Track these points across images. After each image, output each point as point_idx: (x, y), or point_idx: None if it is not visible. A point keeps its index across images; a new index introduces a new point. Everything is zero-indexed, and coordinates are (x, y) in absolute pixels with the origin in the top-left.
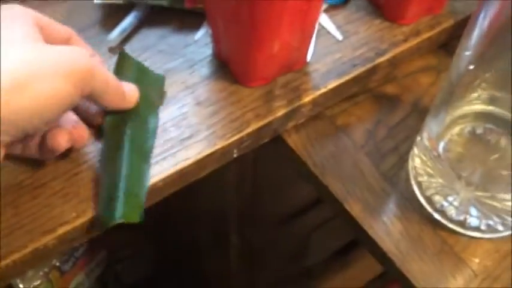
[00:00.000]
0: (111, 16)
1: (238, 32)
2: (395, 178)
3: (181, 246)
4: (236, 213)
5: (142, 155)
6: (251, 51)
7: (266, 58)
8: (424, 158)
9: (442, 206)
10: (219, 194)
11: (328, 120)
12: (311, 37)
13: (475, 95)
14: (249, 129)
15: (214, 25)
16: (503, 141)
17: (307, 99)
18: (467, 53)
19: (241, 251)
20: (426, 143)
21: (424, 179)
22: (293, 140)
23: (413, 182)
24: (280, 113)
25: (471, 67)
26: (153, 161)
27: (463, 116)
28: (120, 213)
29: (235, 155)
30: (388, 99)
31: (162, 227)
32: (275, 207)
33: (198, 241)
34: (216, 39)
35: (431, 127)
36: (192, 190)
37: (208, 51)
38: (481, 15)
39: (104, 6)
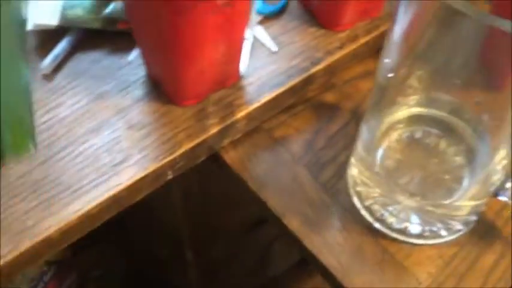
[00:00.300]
0: (45, 42)
1: (164, 51)
2: (334, 189)
3: (147, 261)
4: (187, 229)
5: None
6: (178, 70)
7: (195, 76)
8: (361, 167)
9: (382, 215)
10: (168, 211)
11: (266, 134)
12: (240, 52)
13: (409, 98)
14: (181, 150)
15: (142, 45)
16: (443, 144)
17: (241, 114)
18: (387, 60)
19: (198, 266)
20: (362, 151)
21: (362, 188)
22: (230, 157)
23: (352, 192)
24: (213, 131)
25: (391, 75)
26: (86, 187)
27: (400, 121)
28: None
29: (169, 177)
30: (327, 108)
31: (128, 244)
32: (231, 220)
33: (160, 256)
34: (146, 60)
35: (365, 135)
36: (148, 207)
37: (141, 72)
38: (398, 21)
39: (39, 33)
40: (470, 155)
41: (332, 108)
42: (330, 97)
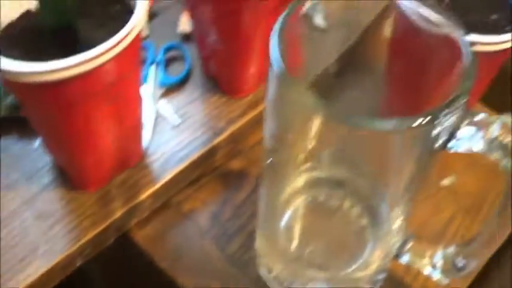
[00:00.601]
0: None
1: (59, 143)
2: (243, 260)
3: None
4: None
5: None
6: (76, 160)
7: (93, 164)
8: (265, 238)
9: (290, 283)
10: (91, 283)
11: (174, 209)
12: (138, 133)
13: (304, 165)
14: (87, 237)
15: (40, 135)
16: (346, 205)
17: (146, 194)
18: (267, 144)
19: None
20: (264, 222)
21: (269, 259)
22: (139, 236)
23: (259, 263)
24: (118, 214)
25: (274, 153)
26: None
27: (302, 186)
28: None
29: (78, 264)
30: (234, 176)
31: None
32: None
33: None
34: (47, 148)
35: (265, 205)
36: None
37: (47, 158)
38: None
39: None
40: (373, 215)
41: (239, 175)
42: (236, 164)
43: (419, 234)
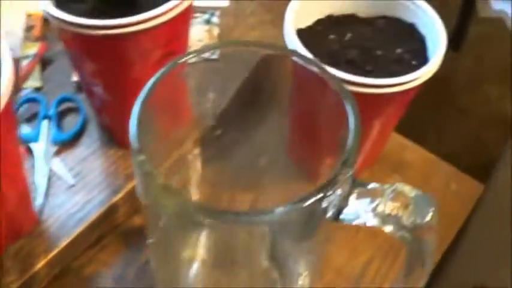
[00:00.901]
0: None
1: None
2: None
3: None
4: None
5: None
6: None
7: None
8: None
9: None
10: None
11: (75, 274)
12: (27, 201)
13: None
14: None
15: None
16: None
17: (42, 263)
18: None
19: None
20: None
21: None
22: None
23: None
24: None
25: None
26: None
27: (204, 243)
28: None
29: None
30: (137, 234)
31: None
32: None
33: None
34: None
35: (161, 275)
36: None
37: None
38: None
39: None
40: (281, 268)
41: (142, 233)
42: (138, 221)
43: (334, 283)
